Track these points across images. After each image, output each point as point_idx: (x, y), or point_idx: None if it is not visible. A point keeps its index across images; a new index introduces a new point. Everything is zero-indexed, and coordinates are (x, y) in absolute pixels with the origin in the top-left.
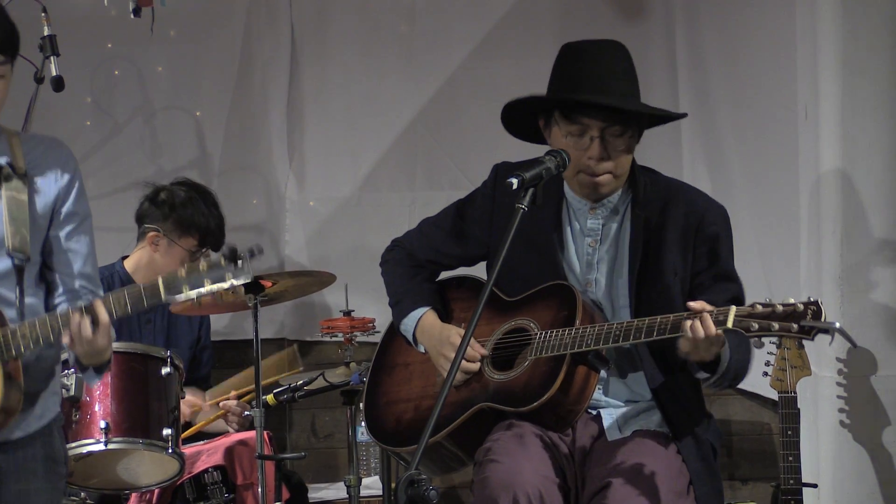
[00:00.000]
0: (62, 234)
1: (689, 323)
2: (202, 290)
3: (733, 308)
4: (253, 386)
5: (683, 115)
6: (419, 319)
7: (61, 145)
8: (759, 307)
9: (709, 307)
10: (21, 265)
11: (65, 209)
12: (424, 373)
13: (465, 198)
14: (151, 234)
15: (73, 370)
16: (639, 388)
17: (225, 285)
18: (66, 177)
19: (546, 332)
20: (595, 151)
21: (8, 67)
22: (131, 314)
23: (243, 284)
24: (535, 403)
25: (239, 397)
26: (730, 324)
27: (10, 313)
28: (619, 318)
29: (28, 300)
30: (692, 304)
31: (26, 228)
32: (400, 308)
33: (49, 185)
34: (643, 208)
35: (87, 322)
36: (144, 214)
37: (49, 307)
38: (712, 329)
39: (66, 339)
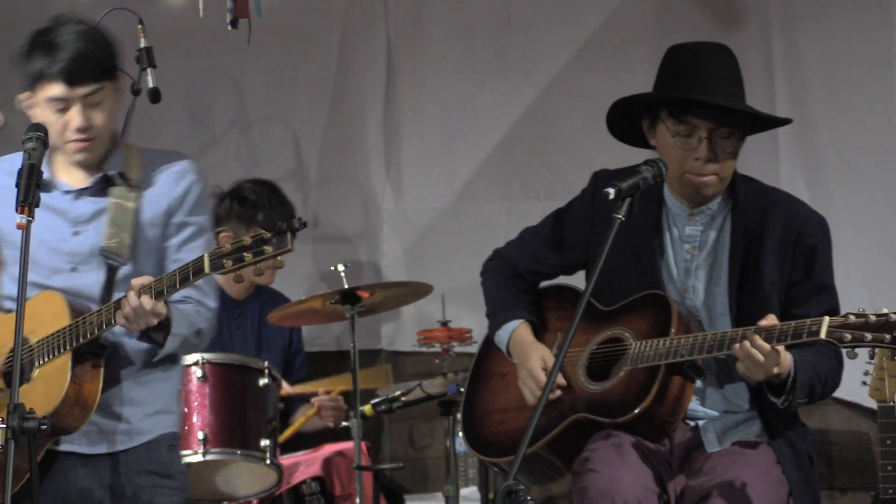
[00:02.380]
0: (173, 244)
1: (736, 345)
2: (243, 263)
3: (826, 319)
4: (343, 384)
5: (788, 121)
6: (512, 332)
7: (181, 159)
8: (853, 318)
9: (777, 322)
10: (114, 266)
11: (176, 220)
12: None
13: (565, 206)
14: (222, 235)
15: None
16: (736, 399)
17: (265, 258)
18: (180, 189)
19: (641, 343)
20: (703, 153)
21: (105, 91)
22: (179, 289)
23: (339, 293)
24: (629, 415)
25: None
26: (823, 334)
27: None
28: (717, 327)
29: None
30: (762, 322)
31: (127, 234)
32: (495, 319)
33: (161, 196)
34: (743, 216)
35: (147, 298)
36: (217, 218)
37: None
38: (765, 347)
39: (121, 320)
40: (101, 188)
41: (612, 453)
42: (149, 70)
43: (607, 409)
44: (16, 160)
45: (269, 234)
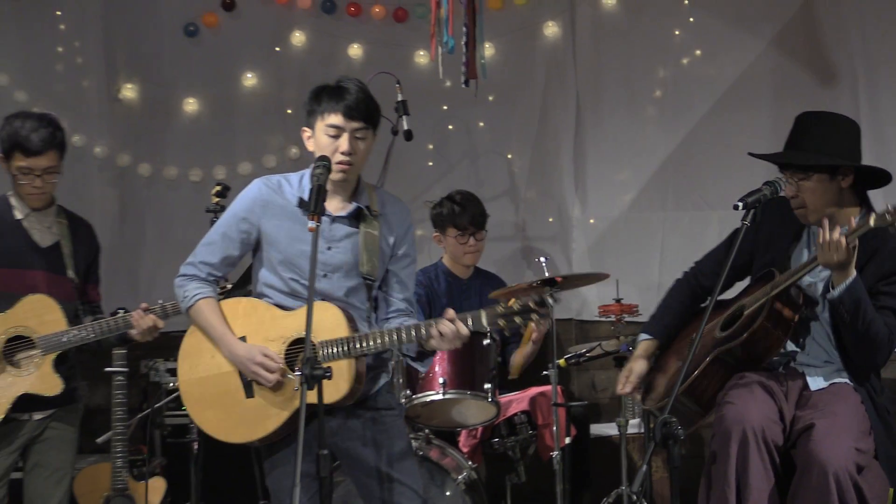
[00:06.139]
0: (397, 267)
1: (819, 230)
2: (513, 323)
3: (874, 214)
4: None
5: (836, 165)
6: (640, 343)
7: (401, 202)
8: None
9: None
10: (370, 285)
11: (400, 251)
12: (678, 350)
13: (733, 231)
14: (434, 236)
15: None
16: (833, 352)
17: (531, 324)
18: (405, 226)
19: (754, 296)
20: (789, 191)
21: (368, 132)
22: (488, 329)
23: (541, 279)
24: (747, 332)
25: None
26: (872, 223)
27: (360, 322)
28: (825, 310)
29: (372, 313)
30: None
31: (377, 258)
32: (646, 323)
33: (391, 230)
34: (861, 244)
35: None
36: (433, 220)
37: (379, 320)
38: (836, 235)
39: (433, 341)
40: (351, 216)
41: (744, 391)
42: (404, 117)
43: (732, 337)
44: (282, 182)
45: (533, 305)
